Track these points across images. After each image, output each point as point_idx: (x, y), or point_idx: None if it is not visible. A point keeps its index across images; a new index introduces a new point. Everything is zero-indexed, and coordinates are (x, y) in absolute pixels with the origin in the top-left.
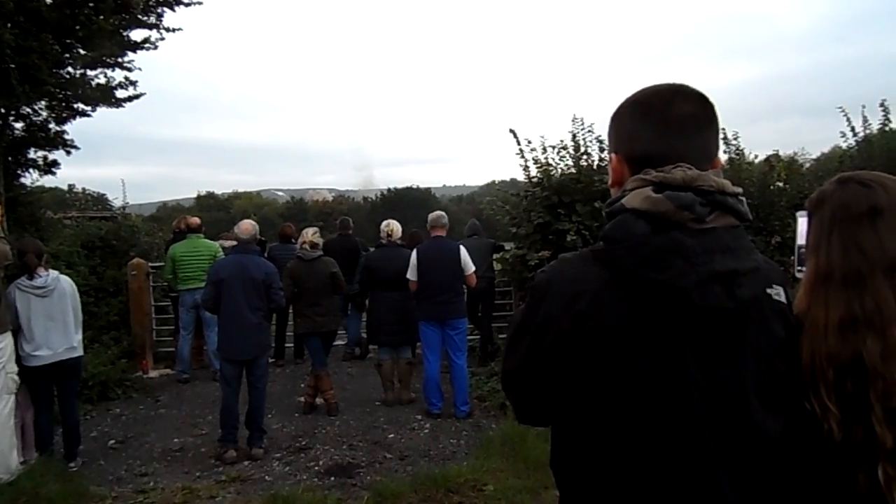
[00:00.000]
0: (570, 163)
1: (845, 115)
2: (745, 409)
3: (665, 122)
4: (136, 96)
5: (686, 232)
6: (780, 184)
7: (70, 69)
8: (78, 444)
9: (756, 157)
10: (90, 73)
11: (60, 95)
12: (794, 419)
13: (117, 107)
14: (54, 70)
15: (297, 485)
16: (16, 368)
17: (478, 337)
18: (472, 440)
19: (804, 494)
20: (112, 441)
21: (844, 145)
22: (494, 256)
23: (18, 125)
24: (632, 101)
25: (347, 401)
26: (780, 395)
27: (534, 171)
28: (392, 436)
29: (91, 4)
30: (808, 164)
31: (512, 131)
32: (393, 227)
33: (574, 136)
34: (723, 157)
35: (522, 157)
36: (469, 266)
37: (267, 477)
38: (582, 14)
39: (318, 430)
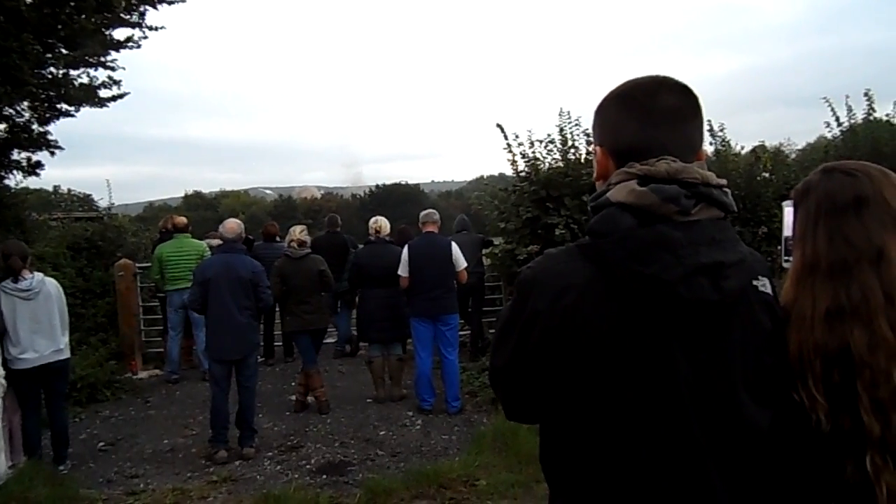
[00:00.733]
0: (558, 157)
1: (830, 105)
2: (733, 401)
3: (649, 114)
4: (121, 96)
5: (671, 225)
6: (766, 174)
7: (52, 69)
8: (67, 447)
9: (742, 148)
10: (73, 72)
11: (43, 96)
12: (782, 411)
13: (101, 106)
14: (36, 70)
15: (288, 484)
16: (2, 372)
17: (468, 332)
18: (463, 436)
19: (793, 486)
20: (101, 443)
21: (829, 135)
22: (483, 251)
23: (1, 126)
24: (615, 93)
25: (338, 398)
26: (768, 388)
27: (522, 166)
28: (383, 433)
29: (72, 4)
30: (793, 155)
31: (499, 126)
32: (381, 223)
33: (561, 129)
34: (709, 148)
35: (510, 151)
36: (461, 262)
37: (258, 476)
38: (568, 7)
39: (309, 429)
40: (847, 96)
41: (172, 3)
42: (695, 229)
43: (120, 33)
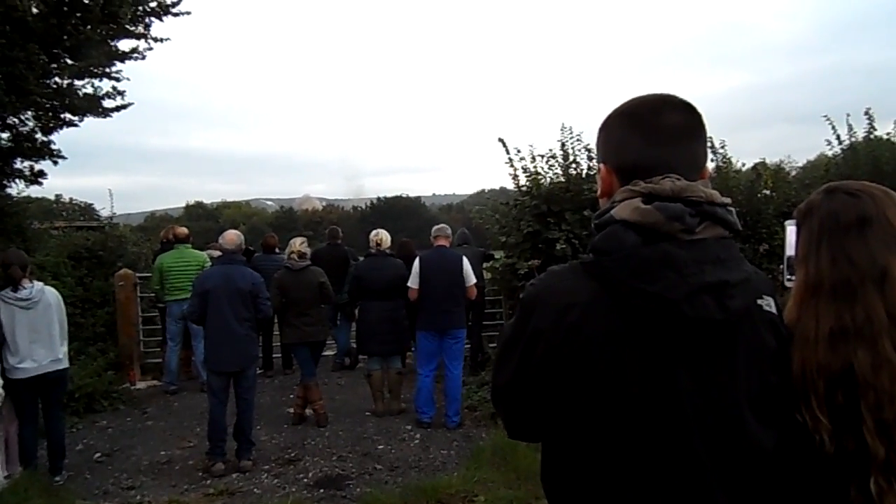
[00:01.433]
0: (560, 172)
1: (830, 123)
2: (738, 421)
3: (653, 132)
4: (124, 106)
5: (676, 243)
6: (768, 192)
7: (57, 79)
8: (63, 458)
9: (743, 165)
10: (77, 83)
11: (47, 105)
12: (786, 431)
13: (105, 117)
14: (41, 80)
15: (286, 497)
16: (0, 381)
17: (468, 346)
18: (462, 451)
19: None
20: (98, 454)
21: (830, 153)
22: (484, 265)
23: (4, 135)
24: (620, 111)
25: (337, 411)
26: (773, 408)
27: (523, 180)
28: (382, 447)
29: (78, 14)
30: (794, 172)
31: (501, 140)
32: (382, 236)
33: (563, 144)
34: (710, 165)
35: (511, 165)
36: (471, 278)
37: (255, 489)
38: (571, 24)
39: (307, 442)
40: (848, 114)
41: (178, 15)
42: (699, 248)
43: (125, 44)
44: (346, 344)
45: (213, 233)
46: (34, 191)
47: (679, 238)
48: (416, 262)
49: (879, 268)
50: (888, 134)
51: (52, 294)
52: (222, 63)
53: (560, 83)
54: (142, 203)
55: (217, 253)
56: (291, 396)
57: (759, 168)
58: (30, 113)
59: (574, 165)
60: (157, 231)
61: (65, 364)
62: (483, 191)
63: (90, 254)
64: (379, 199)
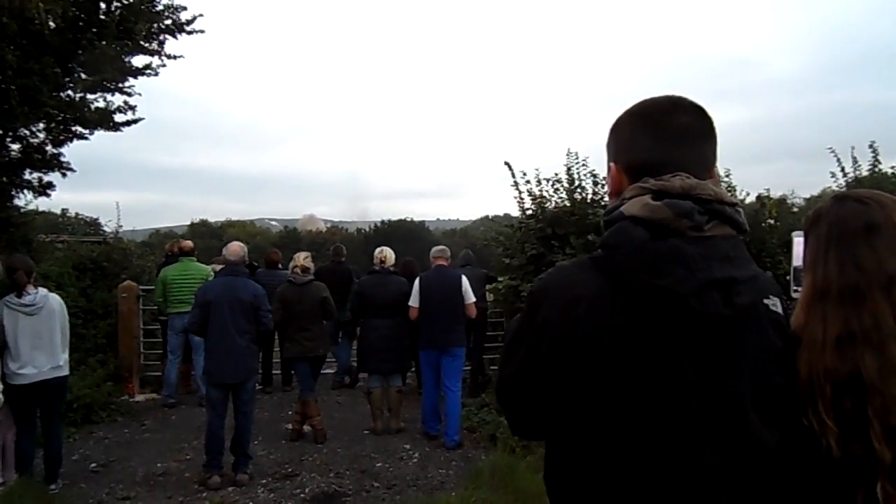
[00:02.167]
0: (565, 196)
1: (835, 155)
2: (741, 418)
3: (664, 132)
4: (135, 121)
5: (685, 239)
6: (772, 221)
7: (70, 92)
8: (59, 466)
9: (748, 194)
10: (90, 96)
11: (59, 118)
12: (791, 434)
13: (115, 131)
14: (54, 93)
15: None
16: (0, 386)
17: (469, 368)
18: (461, 470)
19: None
20: (94, 464)
21: (835, 186)
22: (487, 287)
23: (15, 146)
24: (631, 111)
25: (336, 429)
26: (777, 407)
27: (528, 204)
28: (380, 465)
29: (94, 30)
30: (797, 207)
31: (507, 164)
32: (386, 253)
33: (569, 169)
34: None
35: (517, 188)
36: (470, 296)
37: None
38: (577, 54)
39: (304, 458)
40: (852, 147)
41: (192, 33)
42: (708, 244)
43: (138, 60)
44: (346, 362)
45: (216, 251)
46: (41, 203)
47: (687, 235)
48: (417, 281)
49: (887, 274)
50: (893, 168)
51: (56, 301)
52: (234, 83)
53: (567, 111)
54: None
55: (221, 267)
56: (290, 413)
57: (763, 198)
58: (41, 125)
59: (579, 190)
60: (162, 247)
61: (65, 372)
62: (487, 216)
63: (95, 265)
64: (383, 221)
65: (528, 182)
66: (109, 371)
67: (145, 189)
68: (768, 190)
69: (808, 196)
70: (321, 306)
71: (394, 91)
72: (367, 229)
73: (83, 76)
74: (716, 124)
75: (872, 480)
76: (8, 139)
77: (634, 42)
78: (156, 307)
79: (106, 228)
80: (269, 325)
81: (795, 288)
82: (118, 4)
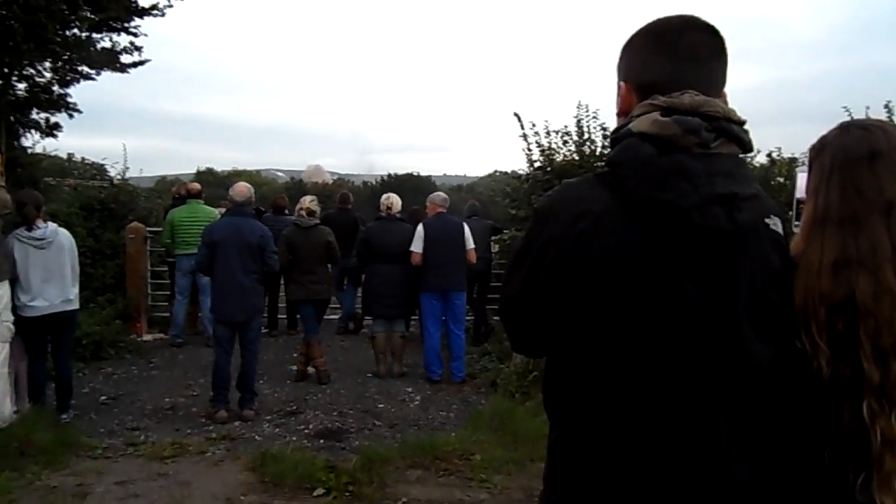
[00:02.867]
0: (574, 149)
1: (849, 114)
2: (736, 331)
3: (676, 50)
4: (142, 62)
5: (690, 155)
6: (781, 179)
7: (76, 30)
8: (70, 398)
9: (758, 151)
10: (96, 35)
11: (65, 57)
12: (784, 352)
13: (122, 72)
14: (60, 30)
15: (286, 445)
16: (11, 318)
17: (472, 318)
18: (461, 413)
19: (791, 429)
20: (104, 397)
21: None
22: (492, 238)
23: (21, 86)
24: (644, 30)
25: (340, 371)
26: (772, 324)
27: (536, 155)
28: (382, 405)
29: None
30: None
31: (516, 114)
32: (393, 200)
33: (578, 122)
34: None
35: (525, 140)
36: (470, 242)
37: (257, 437)
38: (588, 6)
39: (309, 397)
40: (867, 107)
41: None
42: (713, 161)
43: (145, 0)
44: (351, 308)
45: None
46: (48, 146)
47: (693, 151)
48: (420, 227)
49: (886, 199)
50: None
51: (65, 236)
52: (238, 31)
53: (575, 64)
54: (153, 166)
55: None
56: (295, 355)
57: (773, 157)
58: (47, 63)
59: (589, 143)
60: (169, 192)
61: (76, 305)
62: (495, 172)
63: (102, 206)
64: (389, 175)
65: (536, 134)
66: (118, 310)
67: (151, 136)
68: (779, 150)
69: None
70: (326, 250)
71: (401, 43)
72: (374, 182)
73: (89, 14)
74: (732, 88)
75: (859, 398)
76: (14, 78)
77: None
78: (163, 249)
79: (112, 171)
80: (275, 266)
81: (797, 223)
82: None
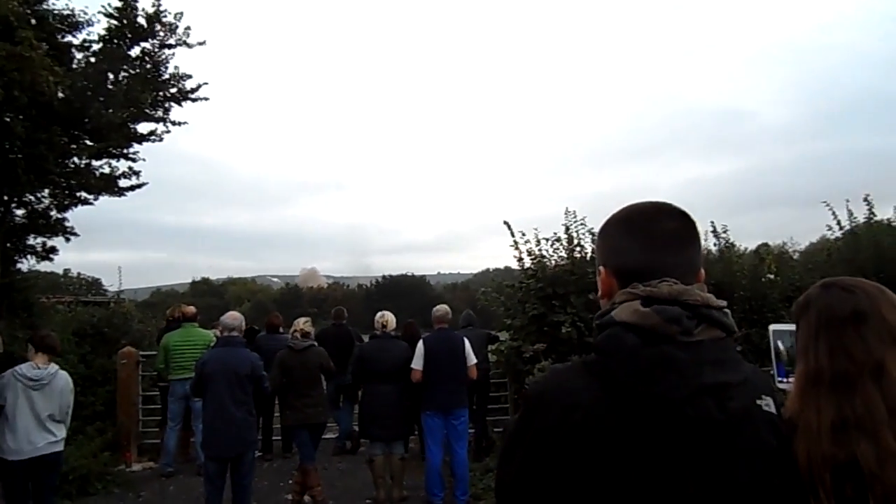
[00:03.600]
0: (564, 255)
1: (830, 208)
2: None
3: (650, 238)
4: (139, 185)
5: (675, 345)
6: (772, 276)
7: (76, 159)
8: None
9: (746, 248)
10: (95, 163)
11: (64, 184)
12: None
13: (119, 195)
14: (60, 160)
15: None
16: None
17: (472, 431)
18: None
19: None
20: None
21: (832, 236)
22: (489, 347)
23: (20, 212)
24: (617, 217)
25: (337, 498)
26: None
27: (528, 263)
28: None
29: (101, 99)
30: (797, 255)
31: (506, 223)
32: (388, 318)
33: (567, 228)
34: (712, 249)
35: (517, 248)
36: (472, 358)
37: None
38: (572, 109)
39: None
40: (847, 200)
41: (196, 100)
42: (698, 349)
43: (143, 127)
44: (348, 427)
45: (217, 310)
46: (43, 265)
47: (677, 340)
48: (420, 344)
49: (875, 361)
50: (888, 219)
51: (62, 378)
52: (238, 143)
53: (564, 165)
54: (149, 278)
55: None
56: (290, 481)
57: (762, 252)
58: (46, 191)
59: (578, 248)
60: (163, 307)
61: (61, 447)
62: (488, 270)
63: (95, 330)
64: (384, 276)
65: (527, 241)
66: (107, 439)
67: (148, 247)
68: (767, 243)
69: (806, 244)
70: (321, 371)
71: (396, 147)
72: (369, 284)
73: (89, 143)
74: (712, 176)
75: None
76: (13, 205)
77: (630, 97)
78: (155, 373)
79: (108, 288)
80: (268, 391)
81: (780, 379)
82: (125, 74)
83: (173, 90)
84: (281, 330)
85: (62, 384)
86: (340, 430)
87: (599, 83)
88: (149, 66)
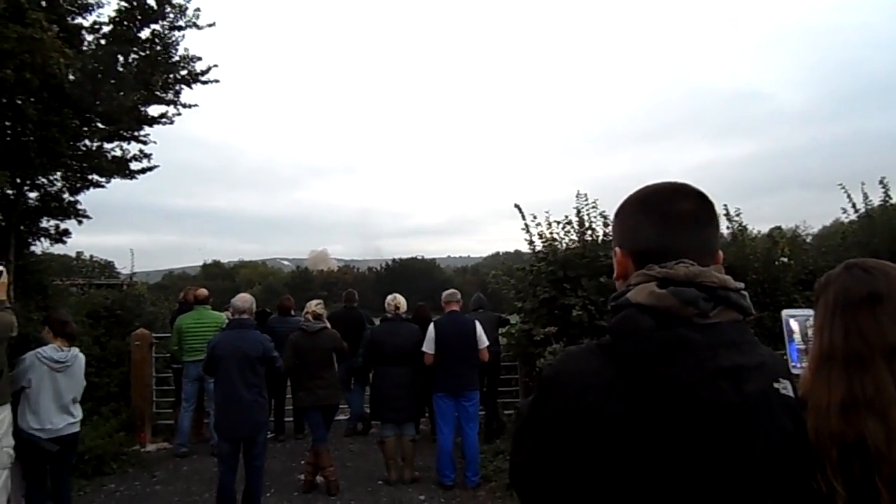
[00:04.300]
0: (575, 238)
1: (845, 191)
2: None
3: (666, 218)
4: (150, 168)
5: (691, 327)
6: (785, 259)
7: (87, 142)
8: None
9: (759, 232)
10: (106, 146)
11: (76, 167)
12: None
13: (131, 178)
14: (72, 143)
15: None
16: (12, 442)
17: (483, 413)
18: None
19: None
20: None
21: (846, 219)
22: (500, 330)
23: (33, 195)
24: (634, 198)
25: (349, 479)
26: (793, 491)
27: (539, 246)
28: None
29: (112, 81)
30: (810, 238)
31: (517, 206)
32: (399, 300)
33: (578, 211)
34: (725, 232)
35: (528, 231)
36: (483, 340)
37: None
38: (586, 90)
39: None
40: (862, 183)
41: (206, 83)
42: (714, 332)
43: (154, 109)
44: (359, 409)
45: (228, 292)
46: (57, 248)
47: (693, 322)
48: (431, 327)
49: (888, 344)
50: None
51: (81, 359)
52: (249, 126)
53: (577, 147)
54: (161, 261)
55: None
56: (302, 462)
57: (776, 235)
58: (59, 174)
59: (590, 232)
60: (175, 289)
61: (79, 427)
62: (498, 253)
63: (108, 312)
64: (394, 260)
65: (538, 224)
66: (122, 420)
67: (160, 230)
68: (780, 228)
69: (819, 228)
70: (334, 352)
71: (406, 130)
72: (379, 268)
73: (100, 126)
74: (727, 159)
75: None
76: (26, 188)
77: (646, 78)
78: (168, 355)
79: (121, 271)
80: (281, 369)
81: (794, 364)
82: (136, 57)
83: (183, 72)
84: (293, 312)
85: (80, 365)
86: (352, 411)
87: (613, 66)
88: (159, 48)
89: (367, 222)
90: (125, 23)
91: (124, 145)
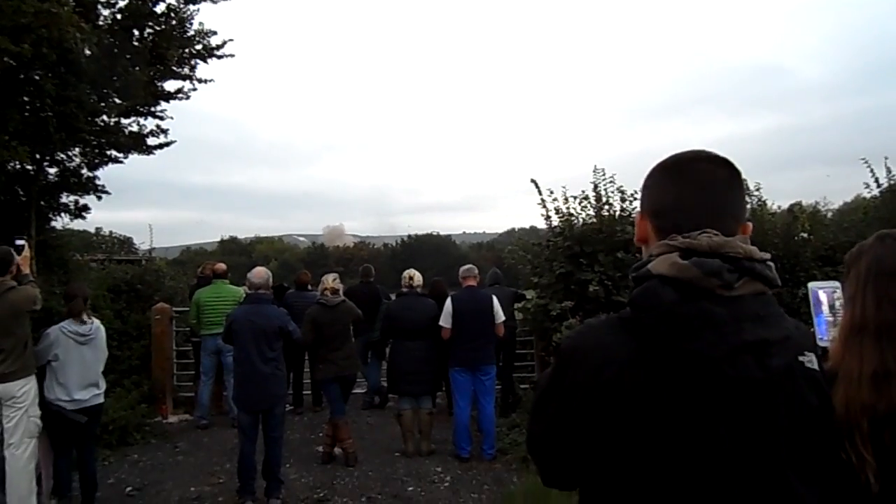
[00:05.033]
0: (592, 213)
1: (868, 165)
2: (781, 481)
3: (691, 187)
4: (167, 143)
5: (714, 300)
6: (805, 234)
7: (105, 117)
8: (95, 491)
9: (779, 207)
10: (124, 121)
11: (94, 143)
12: (830, 478)
13: (148, 154)
14: (90, 118)
15: None
16: (38, 412)
17: (499, 388)
18: (493, 495)
19: None
20: (129, 488)
21: (868, 195)
22: (516, 306)
23: (52, 171)
24: (660, 166)
25: (366, 451)
26: (816, 465)
27: (555, 221)
28: (412, 489)
29: (128, 56)
30: (830, 213)
31: (534, 181)
32: (415, 275)
33: (595, 186)
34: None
35: (544, 206)
36: (500, 315)
37: None
38: (604, 66)
39: (336, 482)
40: (886, 157)
41: (221, 57)
42: (738, 305)
43: (170, 85)
44: (376, 382)
45: (245, 268)
46: (76, 224)
47: (717, 294)
48: (448, 301)
49: None
50: None
51: (102, 331)
52: (265, 103)
53: (595, 123)
54: (179, 237)
55: None
56: (320, 434)
57: (796, 210)
58: (77, 149)
59: (607, 207)
60: (193, 265)
61: (103, 398)
62: (513, 230)
63: (129, 287)
64: (409, 236)
65: (554, 199)
66: (143, 392)
67: (178, 206)
68: (800, 201)
69: (840, 204)
70: (353, 326)
71: (422, 107)
72: (395, 244)
73: (117, 101)
74: (747, 134)
75: None
76: (45, 164)
77: (664, 52)
78: (188, 328)
79: (139, 247)
80: (300, 340)
81: (821, 337)
82: (151, 31)
83: (199, 47)
84: (310, 287)
85: (103, 337)
86: (369, 385)
87: (632, 40)
88: (174, 22)
89: (381, 199)
90: None
91: (141, 121)
